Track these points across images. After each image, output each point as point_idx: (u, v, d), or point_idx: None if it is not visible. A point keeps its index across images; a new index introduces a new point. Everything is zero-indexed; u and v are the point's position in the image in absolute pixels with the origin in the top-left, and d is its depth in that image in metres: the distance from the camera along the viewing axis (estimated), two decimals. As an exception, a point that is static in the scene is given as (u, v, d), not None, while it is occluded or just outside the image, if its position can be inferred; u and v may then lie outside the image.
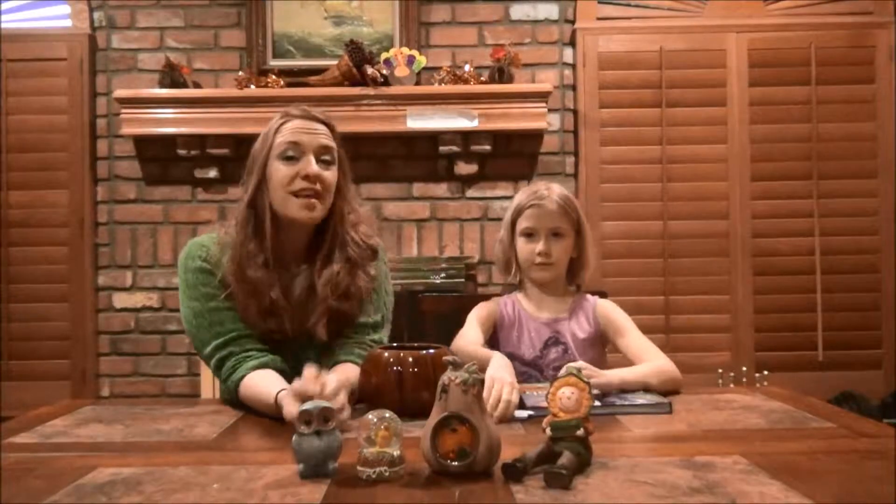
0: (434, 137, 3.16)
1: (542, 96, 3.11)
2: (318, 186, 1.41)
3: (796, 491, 0.87)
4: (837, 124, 3.25)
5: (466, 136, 3.14)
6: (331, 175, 1.44)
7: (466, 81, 3.11)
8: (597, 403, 1.29)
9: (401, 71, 3.10)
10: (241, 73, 3.19)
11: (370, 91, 3.07)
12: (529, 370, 1.67)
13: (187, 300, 1.45)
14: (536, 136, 3.23)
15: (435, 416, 0.96)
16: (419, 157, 3.24)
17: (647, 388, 1.42)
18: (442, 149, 3.16)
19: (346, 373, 1.37)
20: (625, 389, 1.40)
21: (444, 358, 0.99)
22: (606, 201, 3.26)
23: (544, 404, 1.03)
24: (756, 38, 3.27)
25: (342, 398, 1.14)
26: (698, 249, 3.25)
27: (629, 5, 3.31)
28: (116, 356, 3.26)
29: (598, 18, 3.29)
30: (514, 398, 1.28)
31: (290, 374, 1.29)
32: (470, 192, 3.25)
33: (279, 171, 1.41)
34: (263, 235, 1.42)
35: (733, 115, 3.26)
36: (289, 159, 1.41)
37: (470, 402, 0.95)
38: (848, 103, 3.26)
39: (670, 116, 3.25)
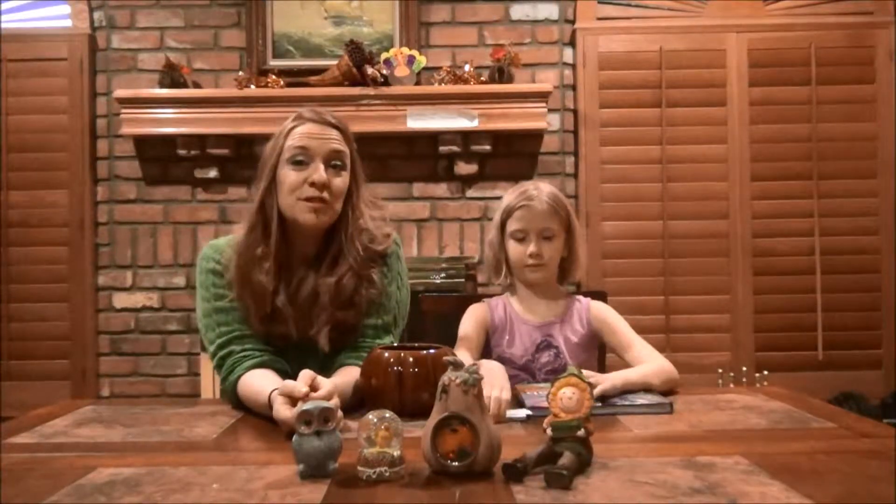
0: (434, 137, 3.16)
1: (542, 96, 3.11)
2: (325, 194, 1.38)
3: (797, 491, 0.87)
4: (837, 124, 3.25)
5: (466, 136, 3.14)
6: (340, 181, 1.42)
7: (466, 81, 3.11)
8: (597, 403, 1.29)
9: (401, 71, 3.10)
10: (241, 73, 3.18)
11: (370, 91, 3.07)
12: (521, 374, 1.66)
13: (200, 300, 1.47)
14: (536, 136, 3.23)
15: (435, 416, 0.96)
16: (419, 157, 3.24)
17: (648, 389, 1.42)
18: (442, 149, 3.16)
19: (346, 376, 1.36)
20: (627, 390, 1.40)
21: (445, 358, 0.99)
22: (606, 201, 3.26)
23: (544, 404, 1.03)
24: (756, 38, 3.27)
25: (333, 403, 1.14)
26: (698, 249, 3.25)
27: (629, 5, 3.31)
28: (116, 356, 3.26)
29: (598, 18, 3.29)
30: (505, 396, 1.28)
31: (293, 376, 1.29)
32: (470, 192, 3.25)
33: (288, 176, 1.40)
34: (271, 239, 1.41)
35: (733, 115, 3.26)
36: (298, 164, 1.39)
37: (470, 403, 0.95)
38: (848, 103, 3.26)
39: (670, 116, 3.25)
